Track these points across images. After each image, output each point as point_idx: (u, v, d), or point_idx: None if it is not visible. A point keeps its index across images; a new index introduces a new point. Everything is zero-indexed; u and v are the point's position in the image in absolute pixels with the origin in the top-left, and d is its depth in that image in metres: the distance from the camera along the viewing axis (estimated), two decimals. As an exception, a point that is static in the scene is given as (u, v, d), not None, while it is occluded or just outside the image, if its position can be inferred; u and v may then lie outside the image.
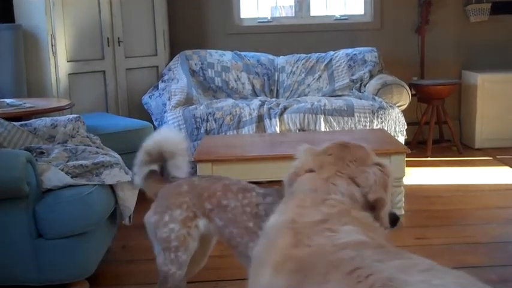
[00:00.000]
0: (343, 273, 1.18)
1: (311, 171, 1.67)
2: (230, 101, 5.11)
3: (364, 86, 5.38)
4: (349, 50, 5.64)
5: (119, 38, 5.10)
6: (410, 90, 5.20)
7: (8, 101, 4.15)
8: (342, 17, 6.10)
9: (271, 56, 5.75)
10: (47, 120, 3.49)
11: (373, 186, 1.65)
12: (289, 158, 1.84)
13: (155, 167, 2.51)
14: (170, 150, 2.45)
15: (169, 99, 4.98)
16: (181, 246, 2.32)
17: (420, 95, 5.75)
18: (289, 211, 1.54)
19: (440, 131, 5.89)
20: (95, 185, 2.87)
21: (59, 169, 2.83)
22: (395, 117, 4.78)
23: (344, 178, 1.64)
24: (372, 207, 1.65)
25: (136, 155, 2.47)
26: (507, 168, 5.08)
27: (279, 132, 4.72)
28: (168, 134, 2.51)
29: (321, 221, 1.45)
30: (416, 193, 4.40)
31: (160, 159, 2.49)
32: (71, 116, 3.58)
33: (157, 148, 2.45)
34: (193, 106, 4.95)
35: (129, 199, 3.13)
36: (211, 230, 2.37)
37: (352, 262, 1.20)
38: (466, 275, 1.14)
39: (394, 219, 1.97)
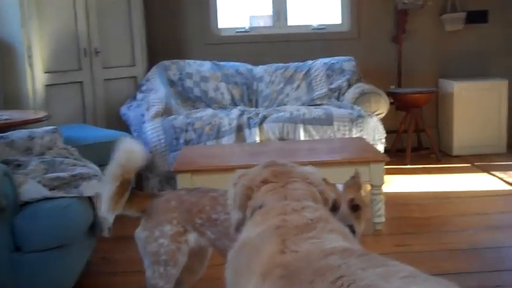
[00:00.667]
0: (327, 282, 1.20)
1: (266, 181, 1.70)
2: (209, 111, 5.10)
3: (343, 95, 5.41)
4: (327, 60, 5.67)
5: (96, 48, 5.07)
6: (388, 98, 5.23)
7: (-16, 113, 4.10)
8: (320, 27, 6.14)
9: (249, 66, 5.75)
10: (24, 132, 3.44)
11: (322, 184, 1.74)
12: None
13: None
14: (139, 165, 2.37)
15: (147, 110, 4.95)
16: (170, 260, 2.35)
17: (398, 103, 5.80)
18: (271, 220, 1.54)
19: (418, 139, 5.94)
20: (74, 197, 2.83)
21: (37, 181, 2.79)
22: (374, 126, 4.81)
23: (300, 181, 1.70)
24: (325, 204, 1.72)
25: (104, 190, 2.35)
26: (485, 174, 5.13)
27: (258, 141, 4.71)
28: (126, 156, 2.36)
29: (307, 224, 1.47)
30: (396, 200, 4.42)
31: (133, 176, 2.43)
32: (48, 128, 3.54)
33: (130, 172, 2.34)
34: (173, 116, 4.93)
35: (108, 211, 3.09)
36: (203, 243, 2.40)
37: (337, 270, 1.22)
38: (446, 281, 1.16)
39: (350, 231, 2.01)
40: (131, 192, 2.43)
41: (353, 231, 2.06)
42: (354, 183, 2.27)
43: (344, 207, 2.15)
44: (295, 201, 1.61)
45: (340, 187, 2.22)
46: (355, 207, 2.18)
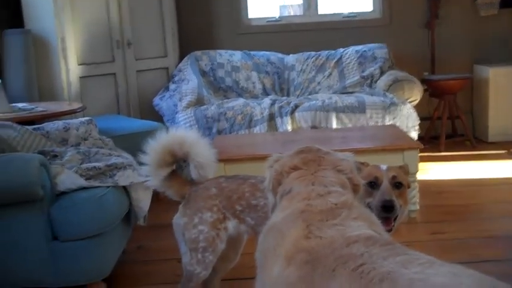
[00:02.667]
0: (349, 269, 1.23)
1: (296, 168, 1.71)
2: (241, 101, 5.11)
3: (375, 82, 5.36)
4: (359, 47, 5.62)
5: (128, 40, 5.12)
6: (422, 85, 5.17)
7: (20, 105, 4.18)
8: (351, 15, 6.09)
9: (280, 55, 5.74)
10: (59, 124, 3.50)
11: (353, 171, 1.75)
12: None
13: (172, 167, 2.49)
14: (199, 160, 2.41)
15: (180, 100, 4.99)
16: (209, 247, 2.37)
17: (432, 90, 5.73)
18: (296, 204, 1.56)
19: (453, 126, 5.86)
20: (109, 186, 2.87)
21: (73, 171, 2.84)
22: (407, 113, 4.76)
23: (329, 169, 1.70)
24: (354, 191, 1.73)
25: (149, 155, 2.42)
26: (521, 161, 5.05)
27: (290, 130, 4.71)
28: (196, 138, 2.43)
29: (331, 209, 1.49)
30: (431, 188, 4.38)
31: (181, 160, 2.47)
32: (83, 119, 3.59)
33: (185, 150, 2.40)
34: (205, 106, 4.96)
35: (143, 200, 3.13)
36: (242, 230, 2.42)
37: (360, 258, 1.24)
38: (461, 267, 1.17)
39: (388, 206, 2.03)
40: (173, 173, 2.47)
41: (392, 206, 2.09)
42: (400, 167, 2.31)
43: (386, 183, 2.16)
44: (322, 186, 1.62)
45: (384, 167, 2.23)
46: (397, 185, 2.20)
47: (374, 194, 2.16)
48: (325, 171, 1.69)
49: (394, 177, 2.20)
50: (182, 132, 2.49)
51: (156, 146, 2.41)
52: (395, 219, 2.16)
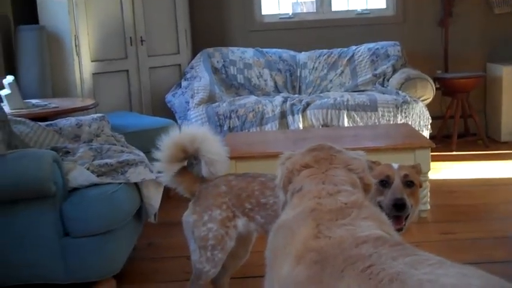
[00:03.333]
0: (357, 270, 1.23)
1: (307, 166, 1.71)
2: (253, 98, 5.11)
3: (387, 80, 5.34)
4: (372, 45, 5.60)
5: (141, 37, 5.13)
6: (435, 83, 5.15)
7: (34, 101, 4.21)
8: (364, 11, 6.06)
9: (293, 52, 5.73)
10: (72, 120, 3.52)
11: (364, 170, 1.74)
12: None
13: (183, 163, 2.50)
14: (210, 156, 2.41)
15: (192, 97, 5.00)
16: (218, 245, 2.38)
17: (444, 88, 5.70)
18: (306, 203, 1.56)
19: (465, 125, 5.82)
20: (121, 183, 2.88)
21: (85, 168, 2.86)
22: (420, 112, 4.74)
23: (341, 168, 1.70)
24: (365, 190, 1.73)
25: (161, 151, 2.43)
26: (534, 161, 5.01)
27: (302, 128, 4.71)
28: (207, 135, 2.44)
29: (341, 209, 1.50)
30: (442, 188, 4.36)
31: (193, 157, 2.49)
32: (95, 116, 3.61)
33: (196, 146, 2.41)
34: (216, 103, 4.97)
35: (154, 197, 3.15)
36: (252, 228, 2.42)
37: (368, 259, 1.24)
38: (471, 267, 1.16)
39: (399, 205, 2.03)
40: (184, 169, 2.48)
41: (403, 204, 2.08)
42: (412, 166, 2.31)
43: (397, 182, 2.16)
44: (332, 185, 1.62)
45: (395, 166, 2.23)
46: (409, 183, 2.19)
47: (385, 193, 2.16)
48: (336, 170, 1.69)
49: (405, 175, 2.19)
50: (193, 129, 2.50)
51: (168, 142, 2.42)
52: (406, 218, 2.16)
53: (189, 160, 2.52)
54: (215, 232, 2.37)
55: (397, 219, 2.12)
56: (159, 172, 2.53)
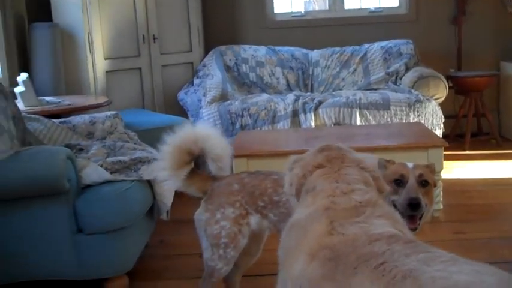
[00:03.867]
0: (371, 267, 1.23)
1: (320, 166, 1.71)
2: (265, 96, 5.12)
3: (400, 79, 5.33)
4: (384, 43, 5.59)
5: (154, 35, 5.15)
6: (448, 82, 5.12)
7: (48, 98, 4.23)
8: (377, 10, 6.05)
9: (305, 50, 5.73)
10: (85, 117, 3.54)
11: (376, 169, 1.74)
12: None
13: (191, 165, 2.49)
14: (216, 152, 2.41)
15: (204, 95, 5.01)
16: (231, 243, 2.37)
17: (458, 87, 5.67)
18: (319, 201, 1.57)
19: (478, 124, 5.80)
20: (133, 180, 2.89)
21: (98, 165, 2.87)
22: (433, 110, 4.73)
23: (353, 167, 1.70)
24: (379, 190, 1.72)
25: (165, 159, 2.40)
26: (548, 160, 4.97)
27: (314, 126, 4.71)
28: (208, 132, 2.44)
29: (355, 207, 1.50)
30: (455, 187, 4.34)
31: (197, 157, 2.49)
32: (109, 113, 3.63)
33: (200, 146, 2.40)
34: (228, 102, 4.97)
35: (166, 194, 3.15)
36: (265, 225, 2.42)
37: (381, 256, 1.24)
38: (484, 264, 1.16)
39: (414, 204, 2.02)
40: (193, 170, 2.47)
41: (418, 204, 2.08)
42: (427, 165, 2.29)
43: (412, 181, 2.15)
44: (346, 184, 1.62)
45: (410, 165, 2.22)
46: (423, 183, 2.18)
47: (400, 192, 2.15)
48: (349, 169, 1.69)
49: (420, 175, 2.18)
50: (194, 129, 2.47)
51: (170, 148, 2.39)
52: (420, 217, 2.15)
53: (196, 161, 2.51)
54: (228, 230, 2.37)
55: (411, 219, 2.11)
56: (166, 180, 2.50)
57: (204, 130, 2.45)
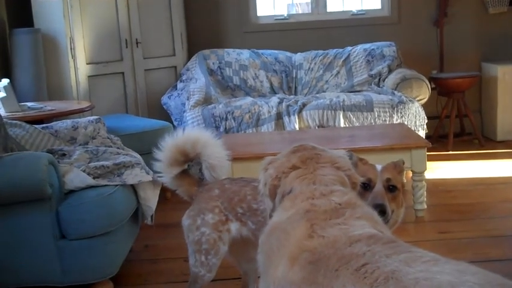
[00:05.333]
0: (352, 269, 1.22)
1: (295, 167, 1.70)
2: (249, 99, 5.12)
3: (383, 80, 5.35)
4: (367, 45, 5.61)
5: (137, 39, 5.13)
6: (430, 83, 5.16)
7: (29, 104, 4.20)
8: (359, 12, 6.08)
9: (288, 53, 5.74)
10: (67, 123, 3.52)
11: (350, 168, 1.74)
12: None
13: (184, 167, 2.49)
14: (211, 162, 2.40)
15: (188, 99, 5.00)
16: (211, 249, 2.36)
17: (440, 88, 5.71)
18: (299, 204, 1.56)
19: (461, 124, 5.84)
20: (117, 185, 2.88)
21: (81, 170, 2.85)
22: (416, 112, 4.75)
23: (328, 166, 1.69)
24: (352, 188, 1.72)
25: (162, 152, 2.42)
26: (530, 160, 5.02)
27: (298, 129, 4.71)
28: (209, 139, 2.43)
29: (335, 209, 1.49)
30: (438, 187, 4.37)
31: (193, 160, 2.47)
32: (91, 118, 3.61)
33: (197, 151, 2.40)
34: (212, 105, 4.96)
35: (150, 199, 3.14)
36: (244, 233, 2.38)
37: (362, 258, 1.24)
38: (466, 263, 1.16)
39: (379, 211, 2.00)
40: (185, 172, 2.47)
41: (383, 211, 2.04)
42: (395, 166, 2.23)
43: (379, 187, 2.12)
44: (324, 185, 1.62)
45: (379, 167, 2.19)
46: (391, 188, 2.14)
47: (367, 196, 2.10)
48: (324, 169, 1.69)
49: (388, 179, 2.14)
50: (196, 132, 2.48)
51: (169, 143, 2.41)
52: (386, 223, 2.13)
53: (190, 163, 2.50)
54: (208, 236, 2.35)
55: None
56: (158, 173, 2.50)
57: (206, 137, 2.44)
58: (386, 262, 1.20)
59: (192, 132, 2.47)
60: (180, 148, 2.41)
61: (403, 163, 2.29)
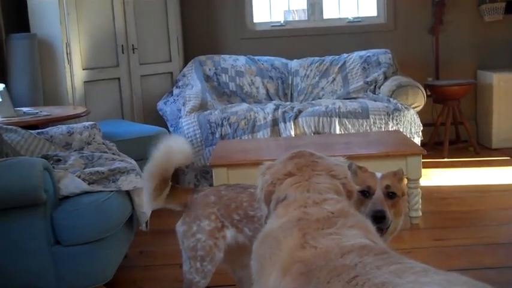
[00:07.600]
0: (343, 282, 1.22)
1: (290, 174, 1.70)
2: (244, 106, 5.12)
3: (379, 88, 5.36)
4: (363, 52, 5.63)
5: (133, 45, 5.13)
6: (426, 91, 5.17)
7: (25, 109, 4.19)
8: (355, 19, 6.09)
9: (284, 60, 5.75)
10: (63, 128, 3.51)
11: (347, 176, 1.74)
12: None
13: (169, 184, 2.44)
14: (183, 153, 2.37)
15: (184, 105, 5.00)
16: (207, 256, 2.35)
17: (435, 95, 5.72)
18: (292, 212, 1.56)
19: (456, 132, 5.85)
20: (112, 191, 2.87)
21: (76, 176, 2.85)
22: (411, 119, 4.76)
23: (324, 174, 1.69)
24: (348, 196, 1.72)
25: (144, 192, 2.37)
26: (525, 168, 5.04)
27: (294, 135, 4.71)
28: (171, 148, 2.36)
29: (328, 218, 1.49)
30: (434, 194, 4.37)
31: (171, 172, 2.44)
32: (87, 123, 3.60)
33: (174, 163, 2.35)
34: (208, 111, 4.97)
35: (145, 205, 3.13)
36: (240, 239, 2.38)
37: (353, 270, 1.24)
38: (456, 274, 1.17)
39: (379, 217, 2.00)
40: (172, 186, 2.43)
41: (383, 217, 2.06)
42: (394, 174, 2.25)
43: (378, 193, 2.13)
44: (317, 193, 1.62)
45: (379, 175, 2.20)
46: (390, 195, 2.16)
47: (366, 203, 2.13)
48: (320, 177, 1.68)
49: (387, 186, 2.16)
50: (159, 154, 2.35)
51: (146, 179, 2.34)
52: (386, 229, 2.14)
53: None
54: (203, 243, 2.35)
55: (376, 231, 2.10)
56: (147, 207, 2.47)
57: (168, 148, 2.35)
58: (377, 274, 1.20)
59: (156, 158, 2.34)
60: (158, 172, 2.33)
61: (403, 172, 2.31)
